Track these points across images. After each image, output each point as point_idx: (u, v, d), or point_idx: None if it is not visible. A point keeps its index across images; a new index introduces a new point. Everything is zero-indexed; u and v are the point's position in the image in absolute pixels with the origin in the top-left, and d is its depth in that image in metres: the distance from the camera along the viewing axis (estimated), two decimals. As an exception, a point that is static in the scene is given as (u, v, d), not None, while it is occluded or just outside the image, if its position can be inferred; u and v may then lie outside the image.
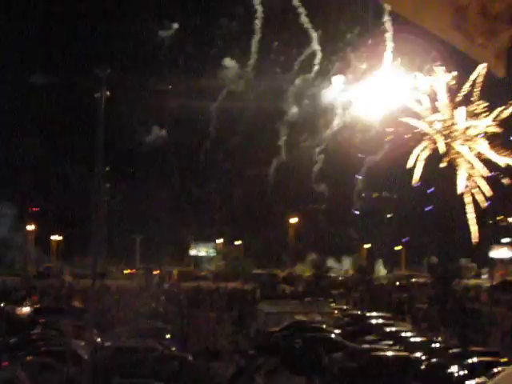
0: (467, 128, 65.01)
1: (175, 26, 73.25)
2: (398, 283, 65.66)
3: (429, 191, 71.66)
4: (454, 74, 62.97)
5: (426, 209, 76.61)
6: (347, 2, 68.03)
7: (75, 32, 72.84)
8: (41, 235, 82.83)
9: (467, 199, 65.23)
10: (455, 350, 27.00)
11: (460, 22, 3.78)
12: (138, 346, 25.34)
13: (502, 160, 63.48)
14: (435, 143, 65.41)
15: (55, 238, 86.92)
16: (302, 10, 68.24)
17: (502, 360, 23.68)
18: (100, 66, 19.23)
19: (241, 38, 72.57)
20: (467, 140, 65.21)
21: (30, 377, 21.10)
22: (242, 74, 71.90)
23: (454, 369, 24.12)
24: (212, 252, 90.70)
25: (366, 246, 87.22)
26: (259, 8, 69.06)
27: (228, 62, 73.15)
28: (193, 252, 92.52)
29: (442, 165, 64.95)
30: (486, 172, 64.30)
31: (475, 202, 65.62)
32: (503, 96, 62.54)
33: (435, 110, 65.05)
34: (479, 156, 65.08)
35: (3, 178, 76.94)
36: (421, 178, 65.91)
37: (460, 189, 65.01)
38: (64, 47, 71.79)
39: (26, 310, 39.79)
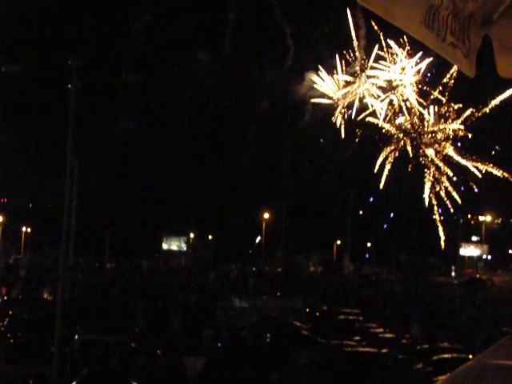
0: (435, 131, 66.10)
1: (148, 16, 72.48)
2: (366, 279, 66.23)
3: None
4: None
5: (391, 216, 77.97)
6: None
7: (49, 21, 72.00)
8: (9, 227, 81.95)
9: (433, 201, 66.50)
10: (422, 347, 27.35)
11: (431, 21, 3.82)
12: (107, 339, 25.20)
13: (469, 163, 64.74)
14: (402, 146, 66.53)
15: (24, 229, 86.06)
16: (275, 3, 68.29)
17: (469, 356, 24.04)
18: (72, 56, 19.03)
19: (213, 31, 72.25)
20: (435, 143, 66.30)
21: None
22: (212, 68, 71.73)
23: (420, 365, 24.43)
24: (184, 246, 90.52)
25: (337, 242, 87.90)
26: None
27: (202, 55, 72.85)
28: (165, 246, 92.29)
29: (409, 168, 66.13)
30: (452, 174, 65.58)
31: (442, 204, 66.78)
32: (474, 98, 63.57)
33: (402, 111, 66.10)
34: (447, 159, 66.25)
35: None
36: (387, 180, 67.18)
37: (427, 192, 66.28)
38: (38, 35, 70.99)
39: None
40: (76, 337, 25.35)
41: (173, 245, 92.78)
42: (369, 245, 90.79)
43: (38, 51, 67.67)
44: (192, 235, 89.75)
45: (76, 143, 19.54)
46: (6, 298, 39.97)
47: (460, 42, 4.00)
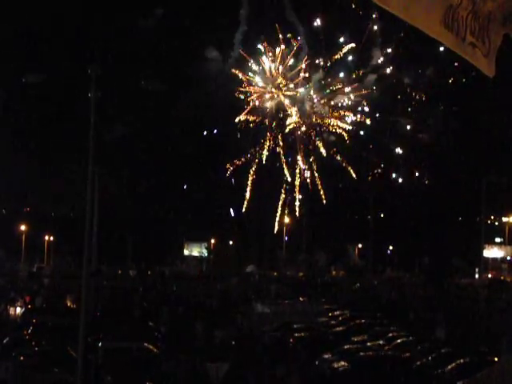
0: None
1: None
2: (389, 283, 65.82)
3: None
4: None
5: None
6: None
7: (68, 30, 72.60)
8: (32, 236, 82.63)
9: None
10: (446, 350, 27.08)
11: (451, 21, 3.80)
12: (130, 346, 25.29)
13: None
14: None
15: (47, 238, 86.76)
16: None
17: (492, 360, 23.76)
18: (92, 65, 19.18)
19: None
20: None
21: (22, 377, 21.03)
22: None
23: (444, 369, 24.19)
24: (205, 252, 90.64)
25: (358, 245, 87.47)
26: None
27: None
28: (186, 252, 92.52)
29: None
30: None
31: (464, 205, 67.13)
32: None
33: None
34: None
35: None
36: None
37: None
38: (57, 45, 71.54)
39: (18, 310, 39.71)
40: (100, 344, 25.46)
41: (194, 251, 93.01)
42: (391, 248, 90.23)
43: (57, 61, 68.24)
44: (213, 241, 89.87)
45: (97, 152, 19.67)
46: (30, 306, 40.30)
47: (480, 42, 3.97)
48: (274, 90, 74.69)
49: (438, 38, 3.60)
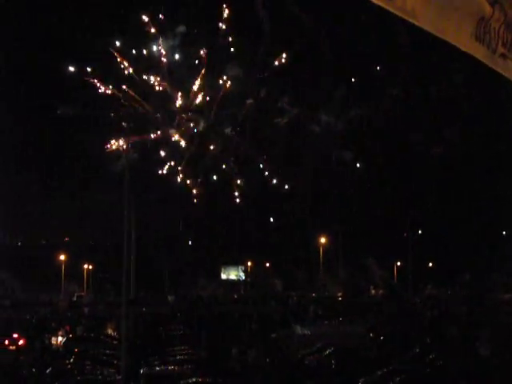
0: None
1: None
2: (430, 301, 64.79)
3: None
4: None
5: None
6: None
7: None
8: (71, 265, 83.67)
9: None
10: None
11: (483, 33, 3.77)
12: (172, 371, 25.32)
13: None
14: None
15: (86, 266, 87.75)
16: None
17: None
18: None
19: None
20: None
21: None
22: None
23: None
24: (242, 275, 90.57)
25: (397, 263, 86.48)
26: None
27: None
28: (223, 276, 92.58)
29: None
30: None
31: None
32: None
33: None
34: None
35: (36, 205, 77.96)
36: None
37: None
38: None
39: (60, 339, 40.07)
40: (141, 370, 25.54)
41: (231, 274, 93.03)
42: (430, 265, 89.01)
43: (89, 92, 69.38)
44: (249, 263, 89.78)
45: (132, 180, 19.92)
46: (71, 335, 40.65)
47: (511, 53, 3.94)
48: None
49: (468, 51, 3.58)
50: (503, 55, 3.83)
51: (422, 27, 3.17)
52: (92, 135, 64.85)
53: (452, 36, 3.39)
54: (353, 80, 72.16)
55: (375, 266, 78.28)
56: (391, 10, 3.34)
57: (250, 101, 69.66)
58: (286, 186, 75.32)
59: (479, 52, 3.66)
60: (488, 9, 3.66)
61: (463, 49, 3.53)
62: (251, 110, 70.25)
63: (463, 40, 3.50)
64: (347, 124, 72.21)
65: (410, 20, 3.06)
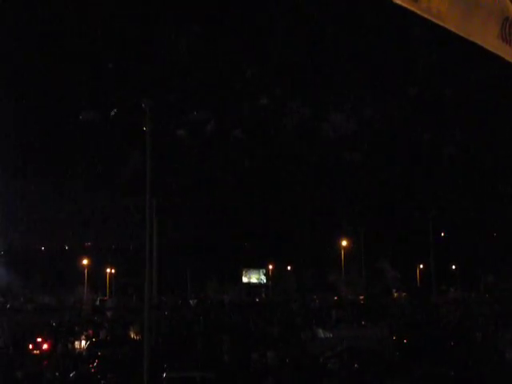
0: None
1: None
2: (453, 304, 64.19)
3: None
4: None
5: None
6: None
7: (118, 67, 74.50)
8: (94, 270, 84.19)
9: None
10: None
11: (508, 34, 3.72)
12: (194, 375, 25.32)
13: None
14: None
15: (108, 271, 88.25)
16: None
17: None
18: (146, 99, 19.54)
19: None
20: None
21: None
22: None
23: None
24: (263, 279, 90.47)
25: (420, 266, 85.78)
26: None
27: None
28: (245, 279, 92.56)
29: None
30: None
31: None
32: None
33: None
34: None
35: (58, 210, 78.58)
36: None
37: None
38: (109, 83, 73.55)
39: (83, 343, 40.29)
40: (164, 374, 25.56)
41: (252, 278, 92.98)
42: (453, 267, 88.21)
43: (110, 97, 70.03)
44: (271, 267, 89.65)
45: (154, 184, 19.96)
46: (94, 339, 40.86)
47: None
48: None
49: (495, 52, 3.52)
50: (530, 56, 3.76)
51: (448, 29, 3.13)
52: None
53: (478, 37, 3.33)
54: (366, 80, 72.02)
55: (391, 268, 77.81)
56: (416, 11, 3.29)
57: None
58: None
59: (506, 52, 3.60)
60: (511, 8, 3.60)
61: (490, 49, 3.47)
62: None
63: (489, 41, 3.45)
64: (362, 125, 72.11)
65: (436, 22, 3.01)
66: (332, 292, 78.66)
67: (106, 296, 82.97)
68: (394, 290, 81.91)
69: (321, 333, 38.65)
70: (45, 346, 37.07)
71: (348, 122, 71.49)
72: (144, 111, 19.77)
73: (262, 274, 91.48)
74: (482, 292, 75.89)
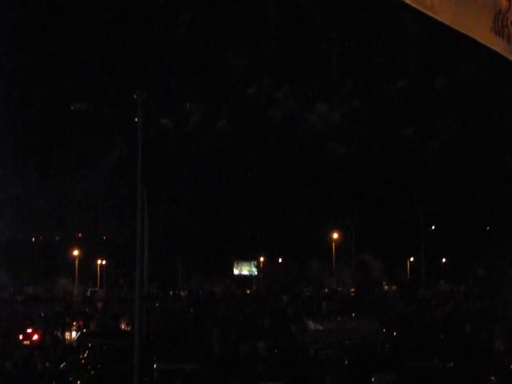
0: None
1: None
2: (443, 297, 64.55)
3: None
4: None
5: None
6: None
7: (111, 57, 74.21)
8: (85, 260, 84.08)
9: None
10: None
11: (501, 27, 3.73)
12: (185, 367, 25.37)
13: None
14: None
15: (99, 262, 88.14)
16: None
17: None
18: (138, 90, 19.45)
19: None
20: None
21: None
22: None
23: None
24: (254, 270, 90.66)
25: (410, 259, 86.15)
26: None
27: None
28: (236, 271, 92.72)
29: None
30: None
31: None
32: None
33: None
34: None
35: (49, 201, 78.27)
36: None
37: None
38: (101, 73, 73.26)
39: (74, 334, 40.28)
40: (155, 366, 25.60)
41: (244, 270, 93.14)
42: (443, 260, 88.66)
43: (102, 88, 69.77)
44: (262, 259, 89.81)
45: (145, 175, 19.90)
46: (84, 330, 40.85)
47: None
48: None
49: (488, 45, 3.53)
50: (523, 49, 3.77)
51: (442, 21, 3.13)
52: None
53: (471, 30, 3.34)
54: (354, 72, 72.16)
55: (380, 261, 78.15)
56: (411, 3, 3.29)
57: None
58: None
59: (498, 45, 3.61)
60: (504, 2, 3.61)
61: (483, 42, 3.48)
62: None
63: (482, 34, 3.45)
64: (349, 117, 72.28)
65: (430, 14, 3.02)
66: (322, 284, 78.93)
67: (96, 287, 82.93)
68: (385, 283, 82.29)
69: (311, 325, 38.75)
70: (35, 337, 37.03)
71: (335, 113, 71.70)
72: (136, 102, 19.67)
73: (253, 266, 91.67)
74: (471, 285, 76.33)
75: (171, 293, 74.75)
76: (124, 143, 66.36)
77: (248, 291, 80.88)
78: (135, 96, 19.37)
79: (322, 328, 37.39)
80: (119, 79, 68.37)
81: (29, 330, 37.95)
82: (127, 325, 42.63)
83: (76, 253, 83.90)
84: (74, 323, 44.19)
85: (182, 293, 74.86)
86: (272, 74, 71.63)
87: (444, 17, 3.11)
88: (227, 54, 71.34)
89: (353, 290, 75.52)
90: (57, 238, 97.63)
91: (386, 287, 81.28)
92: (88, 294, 74.20)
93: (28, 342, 36.08)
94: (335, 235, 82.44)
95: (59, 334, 40.19)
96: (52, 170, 79.91)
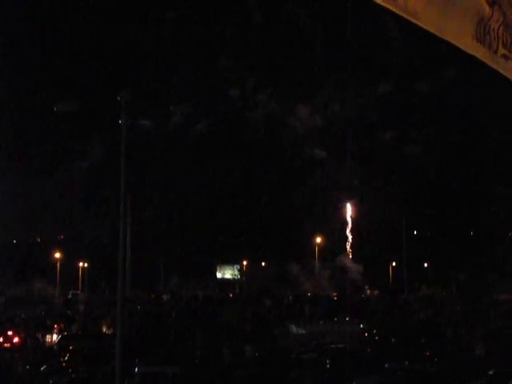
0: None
1: None
2: (425, 301, 64.81)
3: None
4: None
5: None
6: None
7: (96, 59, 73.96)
8: (66, 263, 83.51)
9: None
10: (491, 372, 26.42)
11: (483, 34, 3.77)
12: (166, 371, 25.27)
13: None
14: None
15: (81, 264, 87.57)
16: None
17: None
18: (122, 92, 19.38)
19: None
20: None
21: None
22: None
23: None
24: (237, 274, 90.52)
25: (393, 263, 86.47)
26: None
27: None
28: (219, 275, 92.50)
29: None
30: None
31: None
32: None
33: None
34: None
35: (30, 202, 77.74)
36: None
37: None
38: (86, 74, 72.91)
39: (55, 337, 40.01)
40: (136, 369, 25.48)
41: (227, 273, 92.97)
42: (425, 265, 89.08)
43: (86, 89, 69.44)
44: (245, 263, 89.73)
45: (128, 178, 19.83)
46: (65, 333, 40.57)
47: (512, 54, 3.93)
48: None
49: (470, 52, 3.57)
50: (505, 56, 3.82)
51: (424, 28, 3.16)
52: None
53: (453, 37, 3.37)
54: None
55: (360, 265, 78.43)
56: (393, 10, 3.32)
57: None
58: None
59: (480, 52, 3.65)
60: (487, 9, 3.65)
61: (465, 49, 3.52)
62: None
63: (464, 41, 3.49)
64: (332, 121, 72.65)
65: (413, 20, 3.05)
66: (305, 288, 78.96)
67: (78, 290, 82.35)
68: (367, 287, 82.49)
69: (294, 329, 38.85)
70: (15, 340, 36.71)
71: (317, 117, 72.08)
72: (120, 104, 19.60)
73: (236, 269, 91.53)
74: (453, 289, 76.77)
75: (153, 296, 74.41)
76: (106, 144, 66.00)
77: (231, 295, 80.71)
78: (119, 98, 19.31)
79: (304, 332, 37.49)
80: (102, 81, 68.12)
81: (9, 333, 37.60)
82: (108, 328, 42.40)
83: (58, 255, 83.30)
84: (55, 326, 43.86)
85: (164, 296, 74.53)
86: (254, 76, 71.87)
87: (426, 23, 3.15)
88: (212, 55, 71.43)
89: (335, 294, 75.67)
90: (38, 240, 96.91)
91: (368, 292, 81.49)
92: (69, 296, 73.66)
93: (9, 345, 35.77)
94: (318, 239, 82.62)
95: (40, 336, 39.87)
96: (35, 170, 79.37)
